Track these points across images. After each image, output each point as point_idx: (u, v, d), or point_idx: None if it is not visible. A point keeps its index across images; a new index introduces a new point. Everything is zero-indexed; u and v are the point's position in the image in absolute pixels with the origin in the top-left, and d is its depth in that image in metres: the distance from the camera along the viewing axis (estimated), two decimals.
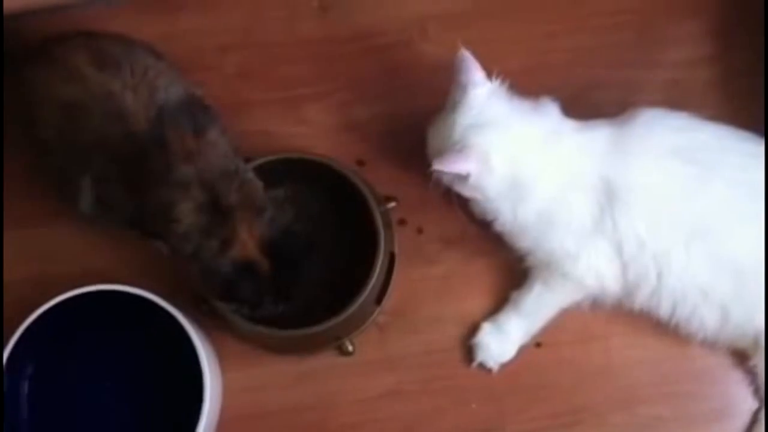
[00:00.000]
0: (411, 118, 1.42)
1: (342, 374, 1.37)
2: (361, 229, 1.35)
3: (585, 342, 1.37)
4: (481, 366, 1.36)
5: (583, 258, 1.28)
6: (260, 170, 1.30)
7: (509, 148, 1.25)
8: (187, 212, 1.21)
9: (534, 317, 1.36)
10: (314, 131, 1.46)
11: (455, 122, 1.27)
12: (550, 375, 1.36)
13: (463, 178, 1.25)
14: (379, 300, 1.37)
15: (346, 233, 1.39)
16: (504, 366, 1.36)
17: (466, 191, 1.29)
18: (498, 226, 1.32)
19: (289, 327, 1.30)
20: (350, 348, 1.37)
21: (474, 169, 1.23)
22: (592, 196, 1.26)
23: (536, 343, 1.37)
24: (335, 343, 1.36)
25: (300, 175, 1.38)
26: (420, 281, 1.40)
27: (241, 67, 1.48)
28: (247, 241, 1.22)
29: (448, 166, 1.24)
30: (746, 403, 1.34)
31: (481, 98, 1.27)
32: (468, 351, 1.37)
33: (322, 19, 1.50)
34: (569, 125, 1.29)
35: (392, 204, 1.40)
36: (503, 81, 1.28)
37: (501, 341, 1.36)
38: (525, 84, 1.31)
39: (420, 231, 1.42)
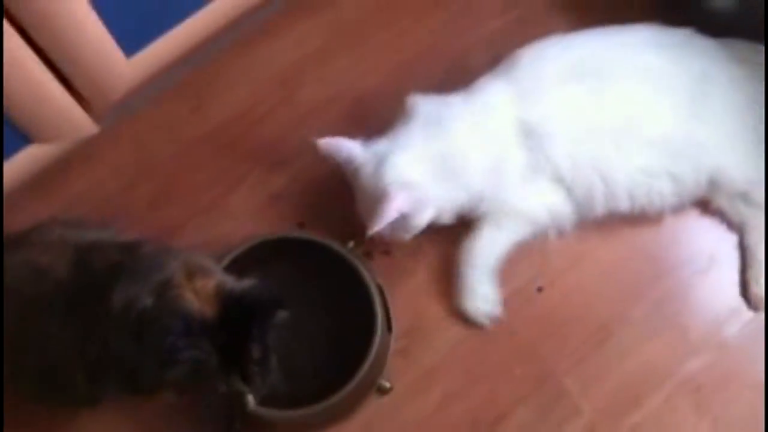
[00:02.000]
0: (322, 162, 1.48)
1: (394, 410, 1.39)
2: (341, 279, 1.38)
3: (576, 266, 1.45)
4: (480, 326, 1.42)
5: (532, 200, 1.38)
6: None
7: (412, 156, 1.32)
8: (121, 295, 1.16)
9: (488, 261, 1.41)
10: (246, 218, 1.49)
11: (363, 189, 1.34)
12: (564, 309, 1.44)
13: (407, 215, 1.31)
14: (389, 327, 1.41)
15: (329, 290, 1.42)
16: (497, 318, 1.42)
17: (423, 221, 1.34)
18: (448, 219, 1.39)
19: (319, 397, 1.31)
20: (387, 384, 1.40)
21: (404, 201, 1.29)
22: (518, 144, 1.35)
23: (537, 288, 1.45)
24: (374, 387, 1.39)
25: (266, 259, 1.40)
26: (411, 295, 1.45)
27: (151, 196, 1.50)
28: (184, 285, 1.16)
29: (382, 221, 1.28)
30: (730, 242, 1.45)
31: (362, 157, 1.34)
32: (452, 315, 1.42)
33: (198, 118, 1.54)
34: (455, 100, 1.38)
35: (351, 243, 1.45)
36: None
37: (481, 299, 1.41)
38: (400, 86, 1.41)
39: (387, 253, 1.47)
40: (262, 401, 1.33)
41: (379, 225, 1.28)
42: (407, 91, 1.46)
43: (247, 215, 1.49)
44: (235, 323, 1.16)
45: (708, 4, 1.47)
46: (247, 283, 1.20)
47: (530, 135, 1.35)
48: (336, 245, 1.39)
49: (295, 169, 1.52)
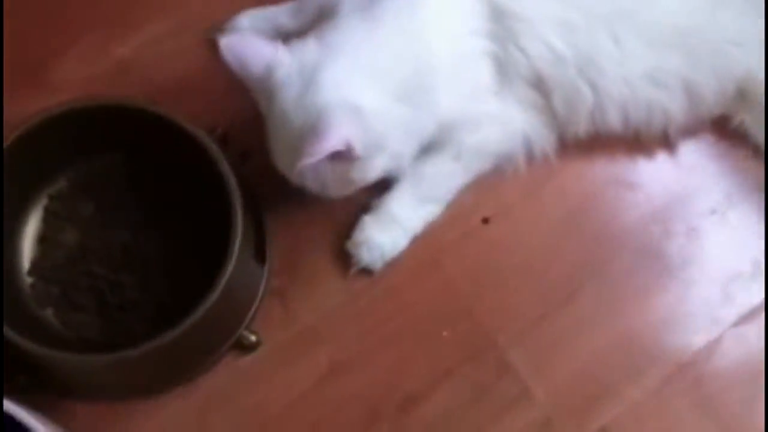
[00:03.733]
0: (186, 31, 1.07)
1: (260, 375, 0.95)
2: (196, 180, 0.95)
3: (535, 193, 1.03)
4: (364, 271, 0.99)
5: (503, 117, 0.98)
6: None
7: (355, 66, 0.88)
8: None
9: (439, 200, 1.01)
10: (75, 92, 1.03)
11: (284, 116, 0.87)
12: (515, 251, 1.01)
13: (353, 158, 0.86)
14: (261, 256, 0.97)
15: (176, 194, 0.99)
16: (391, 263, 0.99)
17: (373, 170, 0.91)
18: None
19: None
20: (253, 338, 0.96)
21: (352, 128, 0.85)
22: (485, 35, 0.94)
23: (482, 220, 1.01)
24: (230, 340, 0.94)
25: (82, 143, 0.97)
26: (299, 217, 1.01)
27: None
28: None
29: (316, 153, 0.82)
30: (755, 174, 1.03)
31: (284, 68, 0.88)
32: (345, 257, 0.99)
33: None
34: None
35: (218, 130, 1.01)
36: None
37: (391, 232, 0.99)
38: None
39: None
40: (71, 346, 0.92)
41: (311, 158, 0.82)
42: None
43: (76, 88, 1.04)
44: None
45: None
46: None
47: (499, 19, 0.94)
48: (192, 127, 0.93)
49: (150, 36, 1.07)
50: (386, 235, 0.98)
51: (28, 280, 0.96)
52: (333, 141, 0.83)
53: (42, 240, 0.97)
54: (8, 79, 1.05)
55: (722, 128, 1.04)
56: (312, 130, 0.84)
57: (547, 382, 0.96)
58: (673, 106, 1.00)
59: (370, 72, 0.89)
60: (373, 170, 0.91)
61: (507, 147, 1.00)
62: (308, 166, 0.84)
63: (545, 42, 0.95)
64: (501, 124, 0.99)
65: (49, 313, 0.95)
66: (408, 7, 0.91)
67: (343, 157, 0.85)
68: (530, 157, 1.01)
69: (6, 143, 0.91)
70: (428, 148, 0.98)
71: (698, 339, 0.98)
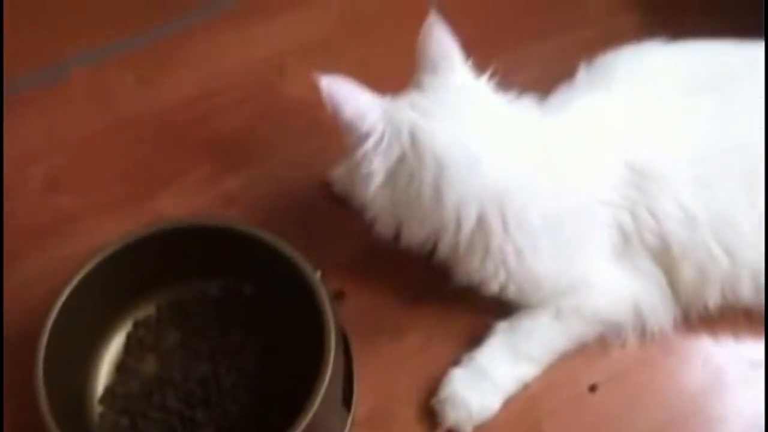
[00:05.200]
0: (296, 169, 1.06)
1: None
2: (293, 311, 0.90)
3: (652, 363, 0.94)
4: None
5: (615, 288, 0.91)
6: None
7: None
8: None
9: (534, 360, 0.92)
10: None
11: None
12: (628, 424, 0.90)
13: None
14: (347, 402, 0.89)
15: (269, 321, 0.94)
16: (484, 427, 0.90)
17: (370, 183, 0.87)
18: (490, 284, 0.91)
19: None
20: None
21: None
22: (620, 200, 0.90)
23: (589, 387, 0.92)
24: None
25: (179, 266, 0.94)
26: (389, 365, 0.94)
27: (52, 175, 1.07)
28: None
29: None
30: None
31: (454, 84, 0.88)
32: (431, 414, 0.91)
33: (146, 92, 1.13)
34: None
35: (318, 272, 0.95)
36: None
37: (480, 389, 0.90)
38: None
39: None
40: None
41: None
42: None
43: (183, 214, 1.03)
44: None
45: None
46: None
47: (638, 183, 0.89)
48: (299, 259, 0.89)
49: (261, 173, 1.07)
50: (475, 391, 0.90)
51: (98, 408, 0.90)
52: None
53: (120, 368, 0.92)
54: (107, 200, 1.05)
55: None
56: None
57: None
58: None
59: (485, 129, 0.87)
60: (366, 189, 0.87)
61: (614, 317, 0.93)
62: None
63: (678, 201, 0.89)
64: (609, 293, 0.91)
65: None
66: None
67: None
68: (642, 331, 0.93)
69: (93, 263, 0.88)
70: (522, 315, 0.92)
71: None
